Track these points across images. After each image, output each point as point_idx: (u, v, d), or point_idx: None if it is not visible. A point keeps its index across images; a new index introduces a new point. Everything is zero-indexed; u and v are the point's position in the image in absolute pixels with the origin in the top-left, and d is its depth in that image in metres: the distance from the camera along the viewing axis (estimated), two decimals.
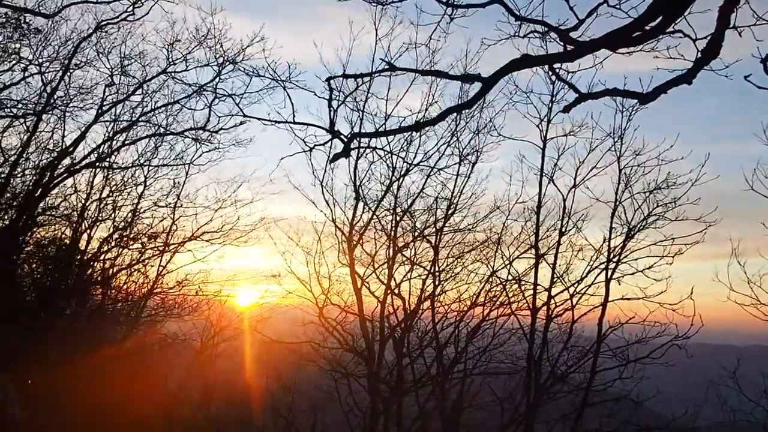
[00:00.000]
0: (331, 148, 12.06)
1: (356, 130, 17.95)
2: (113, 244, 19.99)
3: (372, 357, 20.48)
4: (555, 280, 15.86)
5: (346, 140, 8.44)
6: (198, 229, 20.97)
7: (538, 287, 15.94)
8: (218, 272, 23.66)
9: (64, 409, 17.51)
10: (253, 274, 25.51)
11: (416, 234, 19.97)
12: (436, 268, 20.00)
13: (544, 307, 15.97)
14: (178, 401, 25.84)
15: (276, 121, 10.00)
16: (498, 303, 19.68)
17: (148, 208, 20.53)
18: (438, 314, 20.92)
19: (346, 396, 22.82)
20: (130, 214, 20.23)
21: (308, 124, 9.14)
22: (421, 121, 9.02)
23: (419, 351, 21.22)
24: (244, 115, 13.40)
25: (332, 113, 8.58)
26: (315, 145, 9.06)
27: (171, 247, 20.54)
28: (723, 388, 15.88)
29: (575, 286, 16.19)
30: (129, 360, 21.29)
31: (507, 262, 17.84)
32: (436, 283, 20.18)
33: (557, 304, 16.24)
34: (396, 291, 20.73)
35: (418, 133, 18.22)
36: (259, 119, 10.79)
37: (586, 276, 16.10)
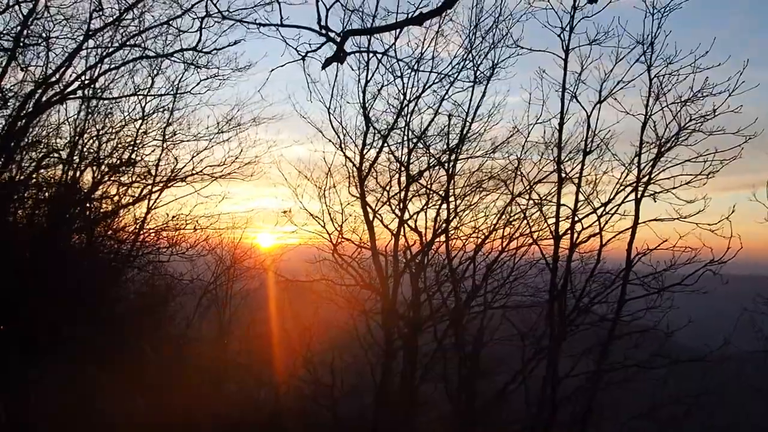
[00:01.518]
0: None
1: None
2: (111, 180, 18.46)
3: (386, 292, 19.02)
4: (579, 203, 14.01)
5: (338, 40, 6.84)
6: (200, 162, 19.30)
7: (561, 212, 14.04)
8: (228, 211, 22.34)
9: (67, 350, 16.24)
10: (265, 213, 23.67)
11: (430, 161, 18.28)
12: (452, 197, 18.32)
13: (568, 234, 14.09)
14: (188, 340, 24.57)
15: (261, 24, 8.48)
16: (518, 232, 18.13)
17: (147, 143, 18.89)
18: (455, 248, 19.41)
19: (364, 334, 21.67)
20: (129, 149, 18.63)
21: (297, 26, 7.52)
22: (424, 12, 7.22)
23: (437, 286, 19.70)
24: (223, 17, 11.72)
25: (324, 10, 6.89)
26: (308, 52, 7.48)
27: (172, 183, 18.96)
28: (759, 316, 14.25)
29: (602, 208, 14.29)
30: (138, 300, 19.95)
31: (527, 186, 16.06)
32: (452, 213, 18.56)
33: (583, 227, 14.40)
34: (411, 224, 19.14)
35: (429, 49, 16.49)
36: (242, 22, 9.18)
37: (613, 197, 14.23)
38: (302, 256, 22.88)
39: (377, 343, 20.64)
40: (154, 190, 19.01)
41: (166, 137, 19.10)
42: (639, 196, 13.52)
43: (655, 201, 13.40)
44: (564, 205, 14.20)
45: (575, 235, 14.22)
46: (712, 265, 13.07)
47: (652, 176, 13.47)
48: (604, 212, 14.22)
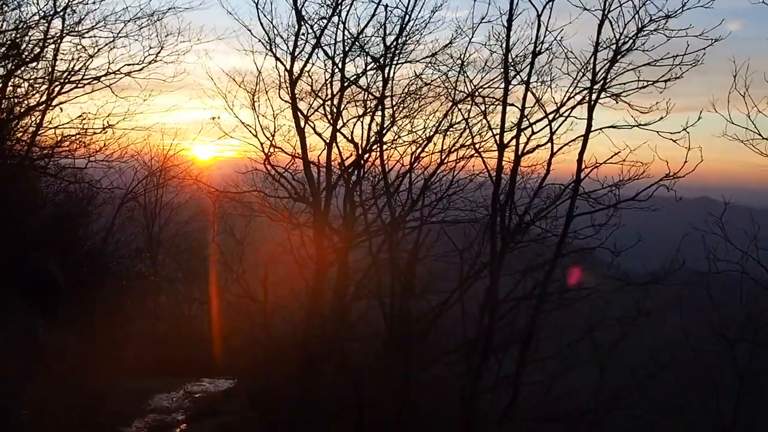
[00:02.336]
0: None
1: None
2: (14, 81, 16.28)
3: (319, 205, 17.58)
4: (527, 109, 12.42)
5: None
6: (113, 61, 17.05)
7: (507, 119, 12.45)
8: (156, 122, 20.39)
9: None
10: (197, 125, 21.71)
11: (367, 63, 16.59)
12: (389, 105, 16.74)
13: (512, 145, 12.56)
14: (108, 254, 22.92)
15: None
16: (458, 142, 16.76)
17: (53, 39, 16.49)
18: (392, 160, 17.99)
19: (298, 248, 20.45)
20: (36, 47, 16.36)
21: None
22: None
23: (373, 200, 18.31)
24: None
25: None
26: None
27: (82, 81, 16.77)
28: (709, 236, 13.09)
29: (553, 114, 12.71)
30: (54, 209, 18.11)
31: (471, 91, 14.44)
32: (389, 121, 17.06)
33: (532, 134, 12.83)
34: (345, 133, 17.62)
35: None
36: None
37: (565, 102, 12.60)
38: (236, 168, 21.37)
39: (310, 257, 19.24)
40: (63, 90, 16.78)
41: (78, 33, 16.73)
42: (593, 101, 11.98)
43: (616, 102, 11.82)
44: (512, 104, 12.55)
45: (521, 146, 12.66)
46: (667, 179, 11.73)
47: (608, 81, 11.90)
48: (554, 118, 12.66)
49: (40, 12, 16.19)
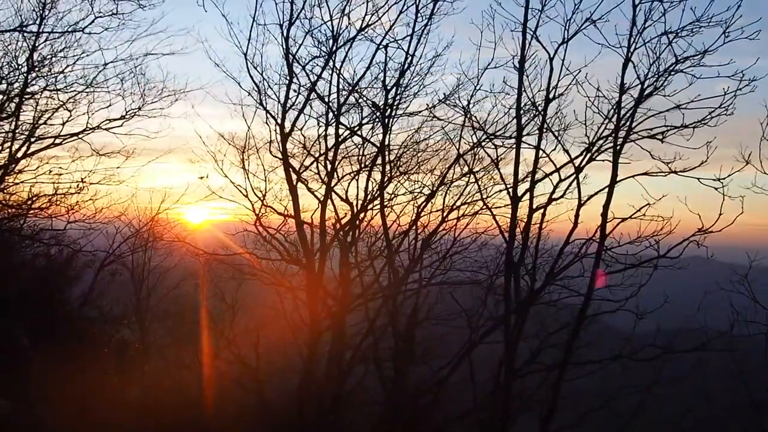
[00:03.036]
0: None
1: None
2: None
3: (312, 267, 16.24)
4: (541, 158, 11.18)
5: None
6: (93, 116, 15.83)
7: (520, 170, 11.20)
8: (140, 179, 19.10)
9: None
10: (183, 186, 20.53)
11: (363, 116, 15.42)
12: (388, 161, 15.51)
13: (527, 196, 11.28)
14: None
15: None
16: (461, 198, 15.51)
17: (30, 94, 15.30)
18: (389, 220, 16.71)
19: (291, 312, 18.98)
20: (11, 102, 15.16)
21: None
22: None
23: (369, 261, 17.03)
24: None
25: None
26: None
27: (62, 141, 15.56)
28: (735, 296, 11.79)
29: (575, 162, 11.38)
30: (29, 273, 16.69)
31: (478, 138, 13.17)
32: (387, 177, 15.74)
33: (556, 186, 11.49)
34: (340, 192, 16.40)
35: None
36: None
37: (588, 148, 11.30)
38: (227, 230, 20.16)
39: (304, 321, 17.87)
40: (39, 147, 15.54)
41: (57, 89, 15.54)
42: (618, 146, 10.75)
43: (655, 138, 10.49)
44: (532, 146, 11.24)
45: (535, 200, 11.42)
46: (699, 234, 10.46)
47: (634, 125, 10.69)
48: (580, 166, 11.37)
49: (17, 66, 15.04)
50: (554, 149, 11.48)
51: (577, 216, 11.36)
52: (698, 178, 10.28)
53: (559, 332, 12.81)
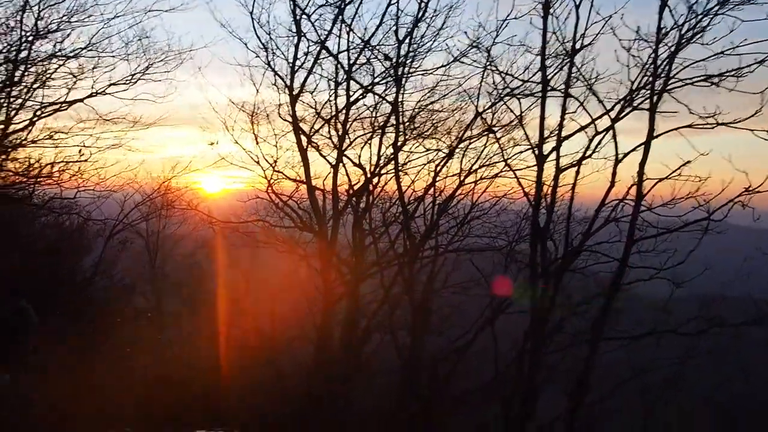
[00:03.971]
0: None
1: None
2: None
3: (325, 234, 15.14)
4: (567, 113, 9.88)
5: None
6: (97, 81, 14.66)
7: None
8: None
9: None
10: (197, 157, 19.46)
11: (374, 77, 14.15)
12: (402, 121, 14.27)
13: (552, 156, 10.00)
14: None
15: None
16: (481, 159, 14.25)
17: (37, 61, 14.15)
18: (403, 185, 15.50)
19: (306, 279, 18.39)
20: (17, 69, 13.98)
21: None
22: None
23: (384, 228, 15.88)
24: None
25: None
26: None
27: (67, 107, 14.40)
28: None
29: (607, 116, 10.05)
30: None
31: (498, 94, 11.81)
32: (402, 137, 14.49)
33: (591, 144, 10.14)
34: (352, 156, 15.24)
35: None
36: None
37: (623, 103, 9.95)
38: (240, 199, 19.11)
39: (319, 290, 16.87)
40: (45, 113, 14.40)
41: (65, 53, 14.35)
42: (656, 98, 9.45)
43: (717, 82, 9.15)
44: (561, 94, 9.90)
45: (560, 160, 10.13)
46: (745, 195, 9.19)
47: (671, 76, 9.38)
48: (616, 117, 10.03)
49: (25, 33, 13.86)
50: (582, 104, 10.17)
51: (614, 174, 10.10)
52: (752, 130, 9.00)
53: (586, 302, 11.57)
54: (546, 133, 10.44)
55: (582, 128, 10.13)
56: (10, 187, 14.49)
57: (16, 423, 9.80)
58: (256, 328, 21.89)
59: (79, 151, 14.38)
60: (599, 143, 10.20)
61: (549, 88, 10.16)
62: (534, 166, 10.78)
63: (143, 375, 17.97)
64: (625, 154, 9.93)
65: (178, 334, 24.28)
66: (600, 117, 10.13)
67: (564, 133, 10.18)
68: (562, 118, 10.07)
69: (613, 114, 9.97)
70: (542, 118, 10.06)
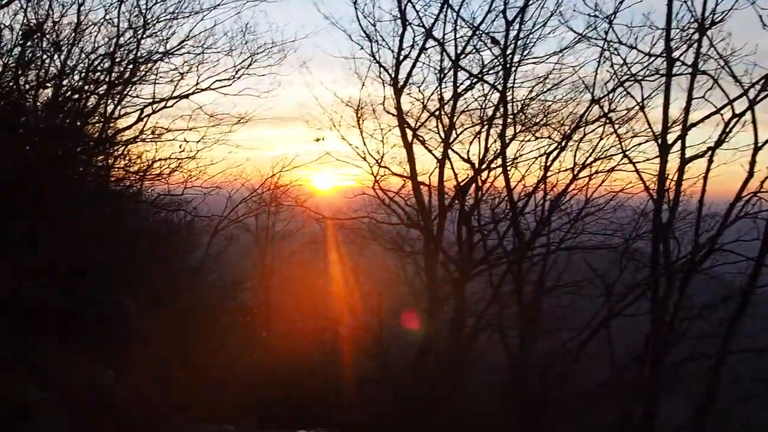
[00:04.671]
0: None
1: None
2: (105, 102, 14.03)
3: (430, 229, 14.67)
4: (694, 100, 9.00)
5: None
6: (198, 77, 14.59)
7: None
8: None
9: None
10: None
11: (482, 67, 13.53)
12: (510, 109, 13.58)
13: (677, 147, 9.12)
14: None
15: None
16: (596, 152, 13.41)
17: (144, 59, 14.21)
18: (513, 180, 14.78)
19: (413, 276, 17.99)
20: (126, 69, 14.10)
21: None
22: None
23: (492, 224, 15.27)
24: None
25: None
26: None
27: (173, 103, 14.43)
28: None
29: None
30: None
31: (620, 80, 10.94)
32: (509, 134, 13.79)
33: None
34: (460, 151, 14.69)
35: None
36: None
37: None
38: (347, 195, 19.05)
39: (425, 287, 16.42)
40: (151, 110, 14.45)
41: (170, 50, 14.37)
42: None
43: None
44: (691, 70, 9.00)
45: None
46: None
47: None
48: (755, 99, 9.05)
49: (132, 30, 13.95)
50: (715, 81, 9.19)
51: (752, 164, 9.08)
52: None
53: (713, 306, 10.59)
54: (668, 123, 9.57)
55: (717, 110, 9.16)
56: (119, 184, 14.64)
57: (122, 420, 9.71)
58: (363, 325, 21.66)
59: (180, 146, 14.42)
60: (730, 130, 9.25)
61: (674, 71, 9.24)
62: (655, 158, 9.96)
63: (248, 371, 18.00)
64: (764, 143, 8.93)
65: (285, 331, 24.36)
66: (735, 100, 9.16)
67: (690, 120, 9.25)
68: (688, 104, 9.19)
69: (751, 95, 8.98)
70: (666, 104, 9.21)
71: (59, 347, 9.45)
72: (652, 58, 10.29)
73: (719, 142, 9.32)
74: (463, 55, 13.57)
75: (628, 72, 10.66)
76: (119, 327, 11.04)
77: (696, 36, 9.15)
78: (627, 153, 11.47)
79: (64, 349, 9.57)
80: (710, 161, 9.36)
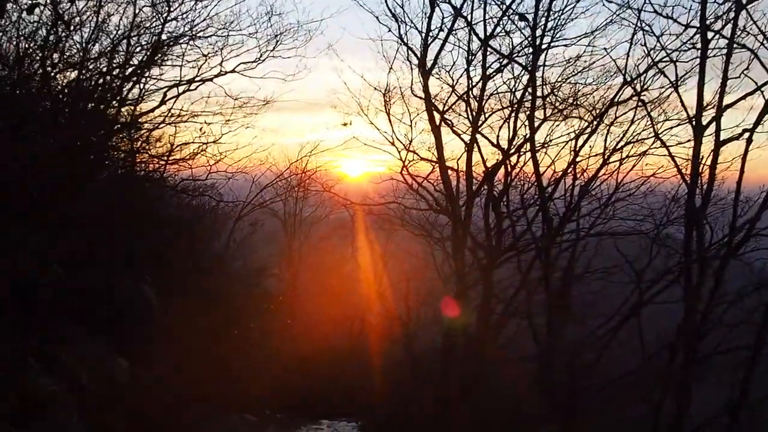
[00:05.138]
0: None
1: None
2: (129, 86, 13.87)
3: (458, 215, 14.38)
4: (729, 80, 8.56)
5: None
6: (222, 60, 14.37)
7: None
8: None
9: None
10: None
11: (512, 49, 13.14)
12: (540, 92, 13.21)
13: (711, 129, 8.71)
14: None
15: None
16: (628, 134, 13.01)
17: (168, 42, 14.03)
18: (542, 165, 14.42)
19: (441, 263, 17.89)
20: (148, 51, 13.92)
21: None
22: None
23: (521, 210, 14.94)
24: None
25: None
26: None
27: (196, 86, 14.26)
28: None
29: None
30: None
31: (654, 60, 10.51)
32: (539, 117, 13.42)
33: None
34: (488, 135, 14.37)
35: None
36: None
37: None
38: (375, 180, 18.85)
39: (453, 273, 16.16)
40: (176, 92, 14.29)
41: (194, 32, 14.18)
42: None
43: None
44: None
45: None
46: None
47: None
48: None
49: (156, 14, 13.77)
50: (747, 68, 8.76)
51: None
52: None
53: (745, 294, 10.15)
54: (703, 104, 9.13)
55: (758, 87, 8.67)
56: (142, 168, 14.53)
57: (136, 411, 9.59)
58: (390, 312, 21.45)
59: (201, 129, 14.29)
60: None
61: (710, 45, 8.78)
62: (688, 141, 9.56)
63: (274, 359, 17.86)
64: None
65: (311, 318, 24.19)
66: None
67: (726, 102, 8.81)
68: (724, 83, 8.75)
69: None
70: (701, 82, 8.77)
71: (76, 337, 9.35)
72: (687, 37, 9.88)
73: (758, 123, 8.88)
74: (492, 37, 13.22)
75: (662, 48, 10.25)
76: (139, 316, 10.90)
77: (732, 14, 8.70)
78: (660, 136, 11.07)
79: (81, 339, 9.46)
80: (749, 141, 8.91)
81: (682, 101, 9.61)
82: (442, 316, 15.67)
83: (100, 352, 9.38)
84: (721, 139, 8.89)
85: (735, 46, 8.58)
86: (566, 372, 13.77)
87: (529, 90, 13.05)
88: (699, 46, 8.88)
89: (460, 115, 14.46)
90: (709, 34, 8.87)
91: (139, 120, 14.11)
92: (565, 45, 12.96)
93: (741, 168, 8.85)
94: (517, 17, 12.25)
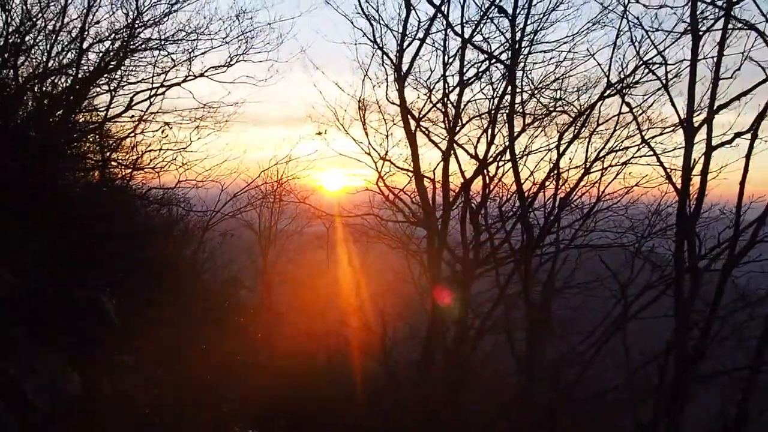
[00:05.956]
0: None
1: None
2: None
3: (434, 227, 13.76)
4: (722, 77, 7.95)
5: None
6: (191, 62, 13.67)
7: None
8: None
9: None
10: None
11: (490, 55, 12.51)
12: (521, 100, 12.64)
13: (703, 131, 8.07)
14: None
15: None
16: (613, 141, 12.46)
17: (135, 47, 13.30)
18: (523, 176, 13.80)
19: (419, 276, 17.06)
20: (115, 57, 13.18)
21: None
22: None
23: (499, 221, 14.36)
24: None
25: None
26: None
27: (162, 91, 13.51)
28: None
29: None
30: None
31: (643, 59, 9.92)
32: (518, 125, 12.85)
33: None
34: (464, 144, 13.78)
35: None
36: None
37: None
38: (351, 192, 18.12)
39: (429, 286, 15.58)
40: (147, 97, 13.54)
41: (161, 38, 13.46)
42: None
43: None
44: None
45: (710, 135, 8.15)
46: None
47: None
48: None
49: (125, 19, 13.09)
50: (742, 64, 8.13)
51: None
52: None
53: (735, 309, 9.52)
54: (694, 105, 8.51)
55: (761, 83, 7.99)
56: (109, 176, 13.80)
57: (88, 426, 8.78)
58: (366, 326, 20.77)
59: (162, 131, 13.60)
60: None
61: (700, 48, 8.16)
62: (674, 150, 9.00)
63: (247, 373, 17.04)
64: None
65: (287, 331, 23.40)
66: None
67: (720, 101, 8.16)
68: (715, 84, 8.12)
69: None
70: (692, 79, 8.10)
71: (25, 349, 8.57)
72: (677, 35, 9.21)
73: (760, 118, 8.23)
74: (473, 36, 12.60)
75: (652, 45, 9.59)
76: (96, 326, 10.12)
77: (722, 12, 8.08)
78: (646, 140, 10.43)
79: (30, 351, 8.68)
80: (754, 138, 8.24)
81: (672, 101, 8.95)
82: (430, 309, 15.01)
83: (51, 365, 8.58)
84: (713, 144, 8.27)
85: (727, 45, 7.99)
86: (549, 389, 13.19)
87: (508, 95, 12.44)
88: (690, 45, 8.26)
89: (436, 123, 13.93)
90: (701, 26, 8.25)
91: (106, 126, 13.36)
92: (546, 50, 12.46)
93: (744, 168, 8.21)
94: (496, 10, 11.61)
